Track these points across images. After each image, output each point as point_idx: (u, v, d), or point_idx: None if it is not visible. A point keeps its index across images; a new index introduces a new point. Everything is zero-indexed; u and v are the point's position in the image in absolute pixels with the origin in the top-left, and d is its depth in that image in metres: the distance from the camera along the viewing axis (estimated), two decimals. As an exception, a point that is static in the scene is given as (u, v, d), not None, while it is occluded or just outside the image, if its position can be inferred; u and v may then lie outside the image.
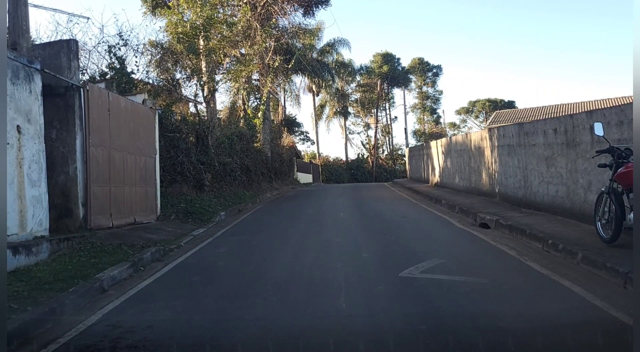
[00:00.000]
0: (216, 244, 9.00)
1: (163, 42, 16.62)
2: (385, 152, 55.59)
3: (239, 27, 17.86)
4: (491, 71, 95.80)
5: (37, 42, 10.28)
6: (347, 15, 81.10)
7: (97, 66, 13.93)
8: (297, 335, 4.23)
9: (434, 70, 57.61)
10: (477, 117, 57.86)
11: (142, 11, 20.21)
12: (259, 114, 23.94)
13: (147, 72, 16.15)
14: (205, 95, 17.48)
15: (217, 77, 18.23)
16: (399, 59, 54.64)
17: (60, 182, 8.39)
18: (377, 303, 5.01)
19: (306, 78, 35.66)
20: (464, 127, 57.94)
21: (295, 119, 41.24)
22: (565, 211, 9.16)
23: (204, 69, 16.71)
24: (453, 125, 59.33)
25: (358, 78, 53.14)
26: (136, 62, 18.65)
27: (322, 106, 48.92)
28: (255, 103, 25.13)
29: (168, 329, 4.47)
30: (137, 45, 15.10)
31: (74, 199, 8.46)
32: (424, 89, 58.11)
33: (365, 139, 54.82)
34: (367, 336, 4.15)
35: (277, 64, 23.03)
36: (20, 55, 7.38)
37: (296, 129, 42.63)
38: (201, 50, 16.22)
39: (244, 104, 24.30)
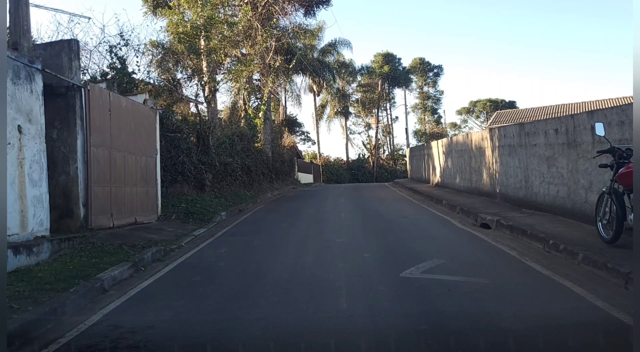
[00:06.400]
0: (217, 244, 9.00)
1: (164, 42, 16.61)
2: (386, 153, 55.56)
3: (240, 27, 17.85)
4: (492, 71, 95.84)
5: (38, 42, 10.28)
6: (348, 15, 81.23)
7: (98, 66, 13.95)
8: (298, 335, 4.23)
9: (435, 71, 57.59)
10: (478, 117, 57.84)
11: (143, 11, 20.27)
12: (260, 114, 23.94)
13: (148, 72, 16.16)
14: (206, 95, 17.48)
15: (218, 77, 18.21)
16: (399, 59, 54.67)
17: (61, 182, 8.40)
18: (378, 303, 5.01)
19: (307, 78, 35.68)
20: (465, 127, 57.98)
21: (296, 119, 41.31)
22: (566, 211, 9.15)
23: (204, 69, 16.71)
24: (454, 125, 59.33)
25: (359, 78, 53.07)
26: (137, 62, 18.61)
27: (323, 106, 48.89)
28: (256, 103, 25.14)
29: (169, 329, 4.47)
30: (138, 45, 15.14)
31: (75, 199, 8.46)
32: (425, 89, 58.07)
33: (366, 139, 54.83)
34: (368, 336, 4.15)
35: (278, 64, 23.03)
36: (21, 55, 7.38)
37: (297, 129, 42.65)
38: (202, 50, 16.21)
39: (244, 104, 24.31)
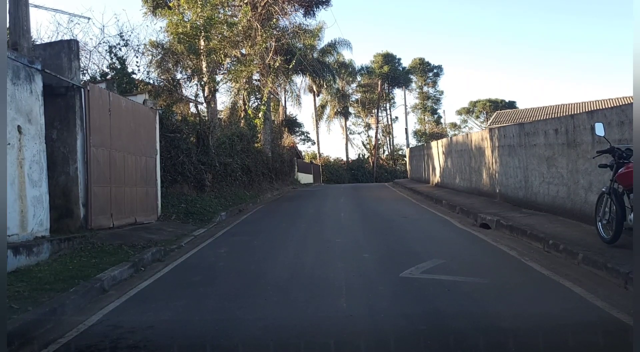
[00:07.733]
0: (217, 244, 9.00)
1: (164, 42, 16.64)
2: (386, 153, 55.56)
3: (240, 28, 17.85)
4: (492, 71, 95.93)
5: (38, 43, 10.29)
6: (348, 15, 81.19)
7: (98, 66, 13.96)
8: (298, 335, 4.23)
9: (435, 71, 57.62)
10: (477, 117, 57.85)
11: (142, 11, 20.34)
12: (260, 114, 23.94)
13: (148, 72, 16.18)
14: (205, 95, 17.48)
15: (218, 78, 18.21)
16: (399, 59, 54.71)
17: (61, 183, 8.40)
18: (377, 303, 5.01)
19: (307, 78, 35.65)
20: (464, 127, 57.99)
21: (296, 119, 41.25)
22: (566, 211, 9.15)
23: (204, 69, 16.71)
24: (454, 125, 59.35)
25: (359, 78, 53.13)
26: (137, 62, 18.52)
27: (323, 106, 48.90)
28: (256, 103, 25.13)
29: (169, 329, 4.47)
30: (137, 45, 15.13)
31: (75, 199, 8.47)
32: (425, 89, 58.09)
33: (366, 139, 54.85)
34: (368, 336, 4.15)
35: (277, 64, 23.01)
36: (21, 55, 7.38)
37: (297, 129, 42.59)
38: (202, 51, 16.22)
39: (244, 104, 24.30)
